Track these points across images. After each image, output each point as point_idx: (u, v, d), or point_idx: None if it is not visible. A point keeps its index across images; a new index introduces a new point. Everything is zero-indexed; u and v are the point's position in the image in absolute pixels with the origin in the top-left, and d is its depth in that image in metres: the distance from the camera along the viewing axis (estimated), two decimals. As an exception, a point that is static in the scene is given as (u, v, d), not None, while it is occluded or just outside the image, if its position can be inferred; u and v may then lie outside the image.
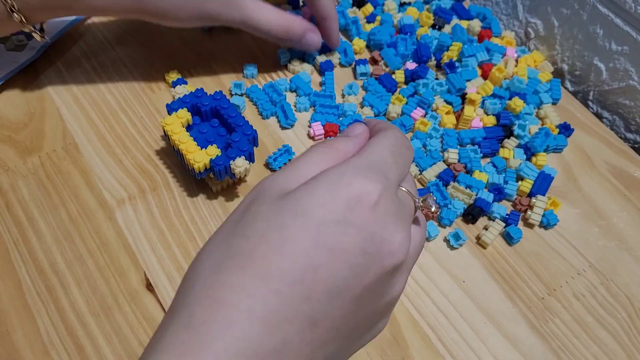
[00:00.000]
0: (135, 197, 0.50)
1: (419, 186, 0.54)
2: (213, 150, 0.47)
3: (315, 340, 0.28)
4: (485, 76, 0.61)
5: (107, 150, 0.53)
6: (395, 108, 0.57)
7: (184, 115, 0.49)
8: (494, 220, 0.52)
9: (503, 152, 0.55)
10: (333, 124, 0.55)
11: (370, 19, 0.65)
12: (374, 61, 0.62)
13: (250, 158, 0.48)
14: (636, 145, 0.62)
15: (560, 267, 0.50)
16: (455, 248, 0.50)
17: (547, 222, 0.52)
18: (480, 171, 0.54)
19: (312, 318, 0.28)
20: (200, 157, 0.47)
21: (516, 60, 0.63)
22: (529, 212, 0.52)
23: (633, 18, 0.56)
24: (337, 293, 0.28)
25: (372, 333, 0.33)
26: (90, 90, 0.57)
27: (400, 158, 0.33)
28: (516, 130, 0.56)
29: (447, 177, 0.53)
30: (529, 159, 0.56)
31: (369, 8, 0.66)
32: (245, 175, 0.48)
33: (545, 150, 0.57)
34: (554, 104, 0.61)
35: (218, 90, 0.50)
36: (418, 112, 0.57)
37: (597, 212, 0.54)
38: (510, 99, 0.59)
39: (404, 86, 0.60)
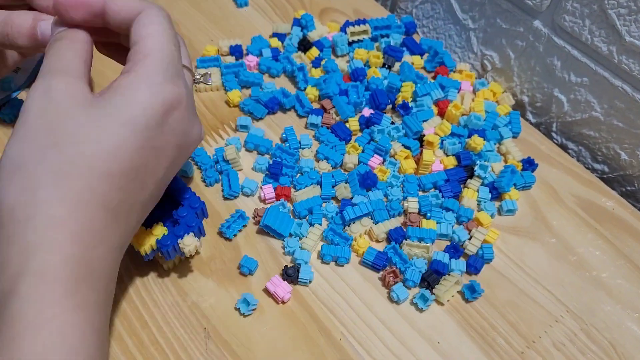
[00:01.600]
0: (80, 282, 0.47)
1: (373, 243, 0.51)
2: (159, 230, 0.44)
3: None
4: (442, 114, 0.59)
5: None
6: (351, 158, 0.55)
7: None
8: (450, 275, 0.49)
9: (467, 192, 0.53)
10: (285, 186, 0.52)
11: (315, 64, 0.62)
12: (323, 109, 0.59)
13: (200, 232, 0.45)
14: (604, 176, 0.60)
15: (537, 316, 0.48)
16: (424, 310, 0.48)
17: (484, 253, 0.50)
18: (433, 220, 0.52)
19: (143, 203, 0.37)
20: (144, 239, 0.43)
21: (474, 93, 0.61)
22: (467, 242, 0.51)
23: (590, 50, 0.54)
24: (160, 180, 0.37)
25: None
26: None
27: (178, 43, 0.38)
28: (477, 171, 0.54)
29: (397, 235, 0.50)
30: (496, 198, 0.54)
31: (314, 52, 0.63)
32: (197, 253, 0.45)
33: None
34: (514, 137, 0.59)
35: None
36: (375, 160, 0.55)
37: (569, 250, 0.52)
38: (469, 136, 0.57)
39: (359, 134, 0.57)
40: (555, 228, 0.54)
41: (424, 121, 0.58)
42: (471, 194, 0.53)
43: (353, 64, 0.61)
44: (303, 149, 0.56)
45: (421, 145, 0.57)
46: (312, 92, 0.59)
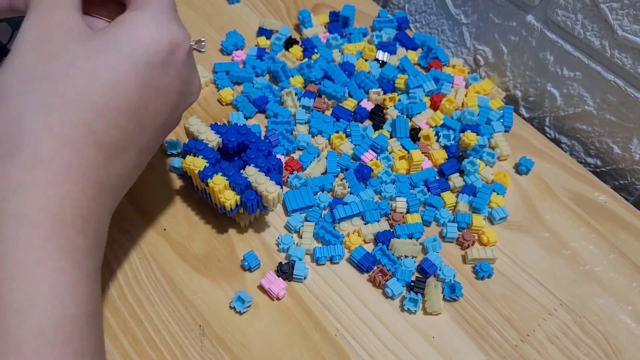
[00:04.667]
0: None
1: (362, 242, 0.51)
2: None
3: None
4: (435, 108, 0.59)
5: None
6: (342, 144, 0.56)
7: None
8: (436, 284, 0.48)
9: (447, 198, 0.53)
10: (290, 157, 0.54)
11: (307, 55, 0.62)
12: (317, 94, 0.59)
13: (279, 183, 0.46)
14: (597, 170, 0.61)
15: (531, 309, 0.48)
16: (413, 312, 0.48)
17: (480, 271, 0.50)
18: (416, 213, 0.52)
19: (140, 148, 0.34)
20: (229, 194, 0.45)
21: (466, 88, 0.61)
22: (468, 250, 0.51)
23: (583, 44, 0.54)
24: (160, 127, 0.35)
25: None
26: None
27: None
28: (464, 164, 0.54)
29: (384, 238, 0.50)
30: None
31: (296, 50, 0.63)
32: (278, 202, 0.47)
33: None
34: (506, 131, 0.59)
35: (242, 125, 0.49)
36: (369, 155, 0.55)
37: (562, 244, 0.52)
38: (462, 131, 0.57)
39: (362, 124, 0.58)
40: (548, 222, 0.54)
41: (417, 114, 0.58)
42: (451, 200, 0.53)
43: (344, 57, 0.61)
44: (299, 124, 0.57)
45: (417, 140, 0.57)
46: (297, 81, 0.60)
